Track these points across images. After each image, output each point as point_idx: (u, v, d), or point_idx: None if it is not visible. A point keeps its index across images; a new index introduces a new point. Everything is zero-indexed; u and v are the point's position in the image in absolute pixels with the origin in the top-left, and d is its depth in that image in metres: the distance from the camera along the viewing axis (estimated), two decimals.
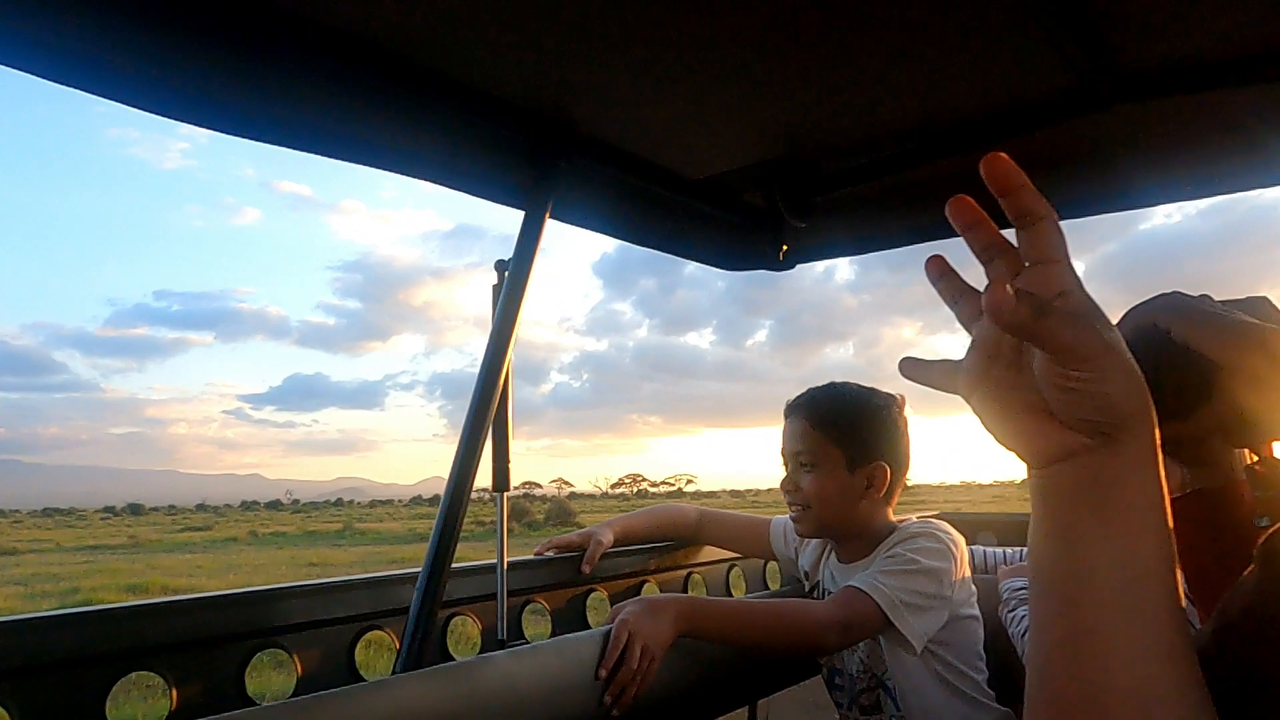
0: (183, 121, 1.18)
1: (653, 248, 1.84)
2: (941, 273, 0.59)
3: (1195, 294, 0.97)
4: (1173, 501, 1.12)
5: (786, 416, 1.82)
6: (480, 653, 1.49)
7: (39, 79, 1.05)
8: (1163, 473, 0.54)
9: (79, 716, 1.09)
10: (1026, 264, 0.55)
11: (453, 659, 1.51)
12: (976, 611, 1.76)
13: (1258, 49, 1.27)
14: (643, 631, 1.40)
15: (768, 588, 2.26)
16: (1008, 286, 0.48)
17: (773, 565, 2.28)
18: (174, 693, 1.19)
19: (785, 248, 1.95)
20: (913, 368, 0.64)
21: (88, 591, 16.48)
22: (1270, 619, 0.63)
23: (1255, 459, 0.98)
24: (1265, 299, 0.97)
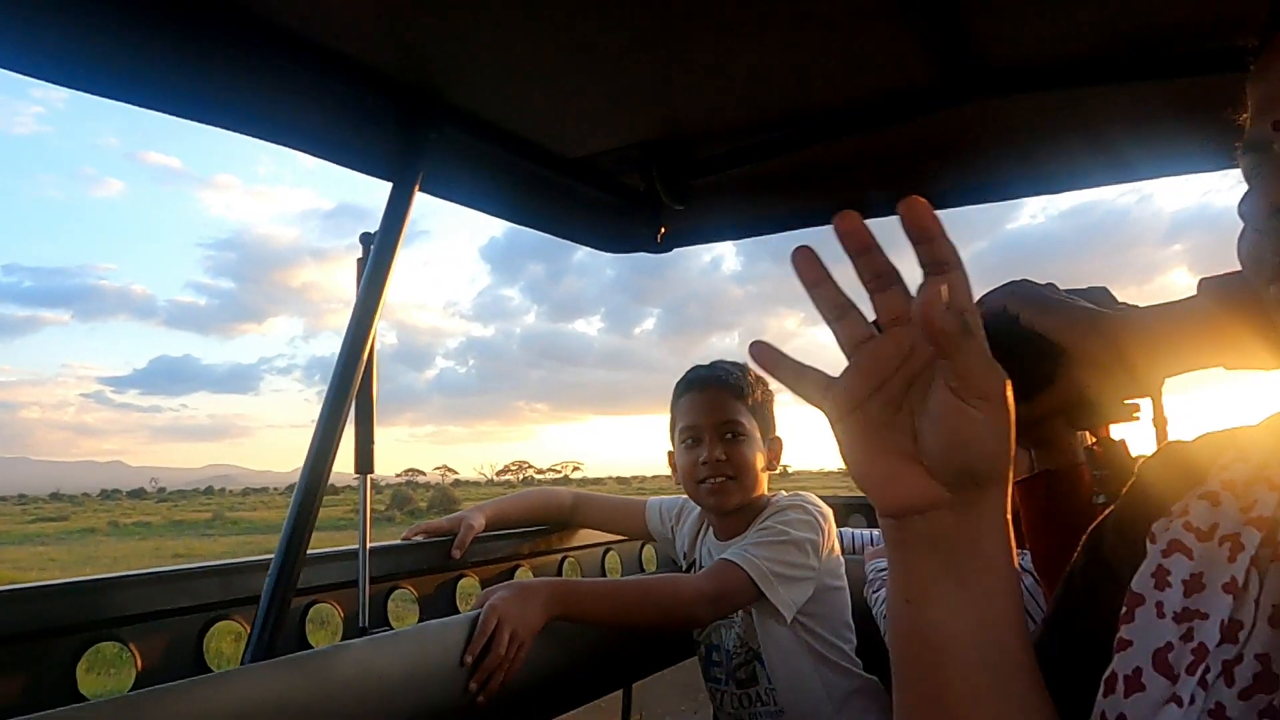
0: (32, 77, 1.10)
1: (529, 226, 1.81)
2: (817, 280, 0.54)
3: (1043, 283, 1.01)
4: (1020, 484, 1.16)
5: (696, 389, 1.82)
6: (341, 641, 1.43)
7: None
8: (1011, 533, 0.55)
9: None
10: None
11: (309, 646, 1.45)
12: (844, 583, 1.81)
13: (1116, 49, 1.33)
14: (511, 616, 1.38)
15: (644, 571, 2.27)
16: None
17: (649, 549, 2.28)
18: None
19: (663, 230, 1.95)
20: (770, 358, 0.58)
21: None
22: (1093, 604, 0.65)
23: (1094, 440, 1.02)
24: (1105, 289, 1.01)
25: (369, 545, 1.46)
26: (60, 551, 24.06)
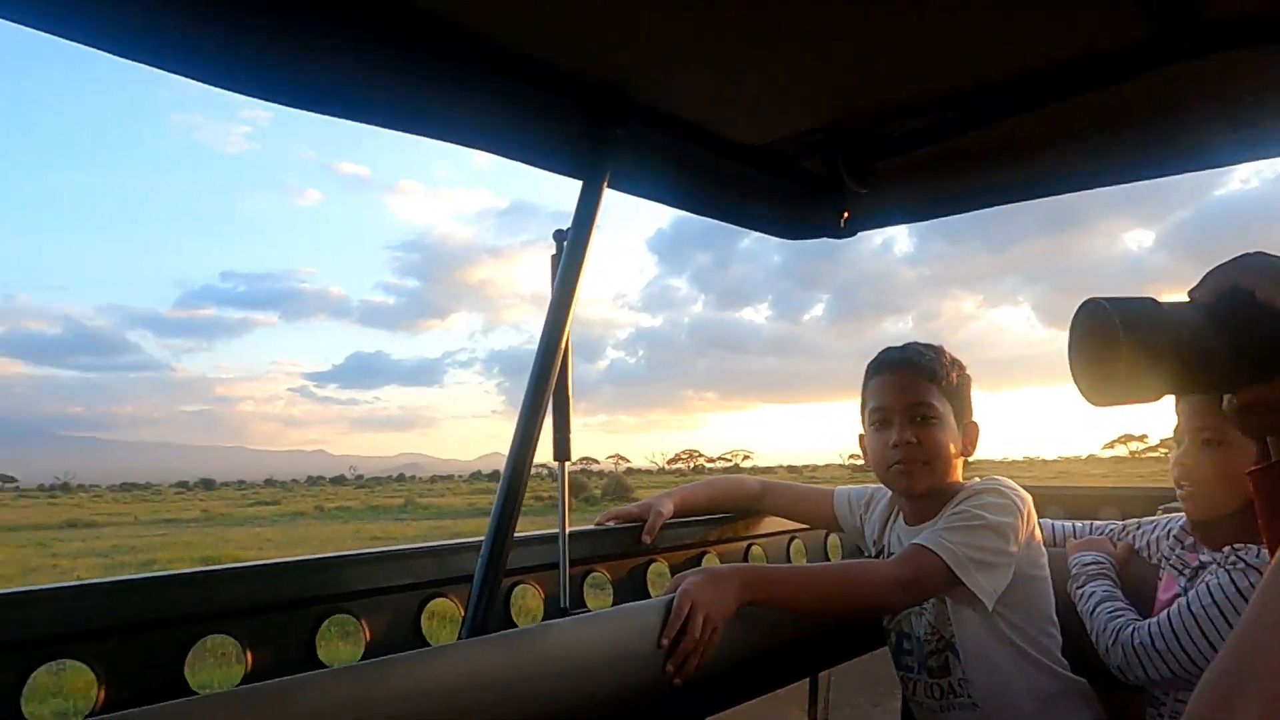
0: (250, 96, 1.20)
1: (711, 217, 1.83)
2: None
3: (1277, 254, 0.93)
4: (1255, 473, 1.07)
5: (887, 371, 1.78)
6: (543, 621, 1.50)
7: (108, 57, 1.08)
8: None
9: (158, 677, 1.13)
10: None
11: (515, 626, 1.53)
12: (1046, 573, 1.73)
13: None
14: (704, 601, 1.40)
15: (828, 560, 2.25)
16: None
17: (834, 537, 2.26)
18: (249, 655, 1.22)
19: (846, 215, 1.92)
20: None
21: (164, 563, 17.07)
22: None
23: None
24: None
25: (568, 530, 1.53)
26: (274, 533, 26.24)
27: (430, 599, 1.44)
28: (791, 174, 1.82)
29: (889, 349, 1.83)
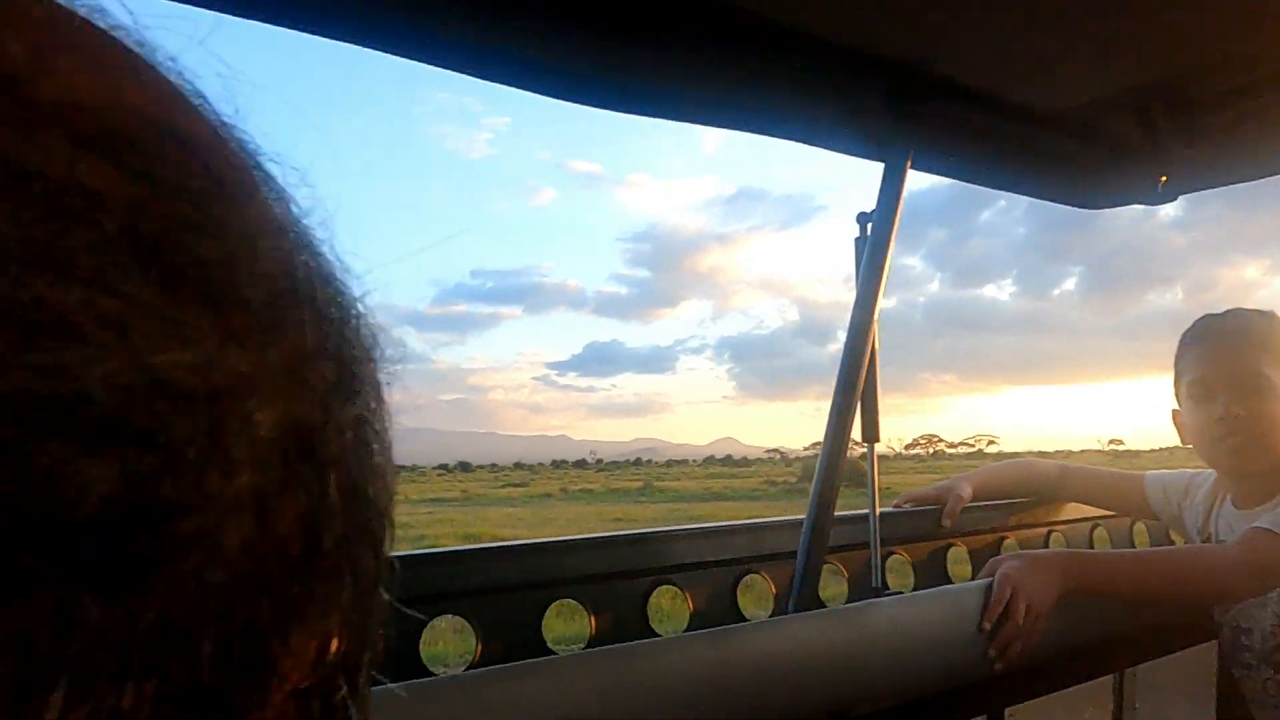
0: (533, 91, 1.21)
1: (1010, 190, 1.76)
2: None
3: None
4: None
5: (1210, 339, 1.67)
6: (848, 600, 1.52)
7: (367, 76, 1.16)
8: None
9: (522, 631, 1.26)
10: None
11: (822, 603, 1.56)
12: None
13: None
14: (1025, 587, 1.37)
15: (1134, 548, 2.11)
16: None
17: (1140, 526, 2.12)
18: (593, 619, 1.33)
19: (1164, 179, 1.77)
20: None
21: (432, 539, 18.68)
22: None
23: None
24: None
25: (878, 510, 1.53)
26: (525, 513, 28.01)
27: (745, 574, 1.50)
28: (1099, 138, 1.71)
29: (1209, 316, 1.70)
